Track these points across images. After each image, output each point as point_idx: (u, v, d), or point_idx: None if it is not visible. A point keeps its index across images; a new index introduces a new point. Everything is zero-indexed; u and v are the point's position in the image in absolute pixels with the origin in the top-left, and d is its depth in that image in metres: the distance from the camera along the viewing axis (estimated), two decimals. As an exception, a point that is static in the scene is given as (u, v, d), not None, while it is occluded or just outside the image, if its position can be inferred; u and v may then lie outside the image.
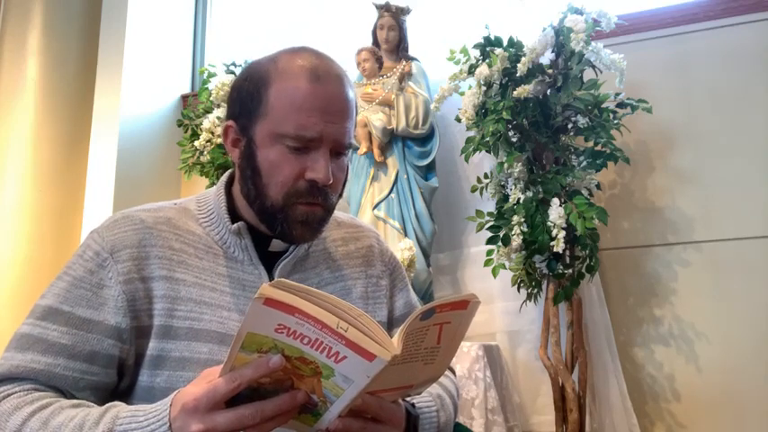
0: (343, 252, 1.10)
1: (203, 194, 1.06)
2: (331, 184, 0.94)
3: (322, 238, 1.08)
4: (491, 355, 2.18)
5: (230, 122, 0.99)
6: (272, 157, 0.93)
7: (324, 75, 0.93)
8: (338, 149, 0.95)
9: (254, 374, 0.70)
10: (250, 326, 0.68)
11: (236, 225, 0.98)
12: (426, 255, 2.43)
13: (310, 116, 0.91)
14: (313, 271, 1.04)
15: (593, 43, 2.09)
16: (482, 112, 2.19)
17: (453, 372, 1.18)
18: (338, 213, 1.15)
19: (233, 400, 0.72)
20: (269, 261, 1.01)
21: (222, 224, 1.00)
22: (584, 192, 2.08)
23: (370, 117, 2.47)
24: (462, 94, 2.26)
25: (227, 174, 1.05)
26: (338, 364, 0.68)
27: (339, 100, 0.93)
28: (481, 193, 2.30)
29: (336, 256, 1.08)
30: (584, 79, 2.09)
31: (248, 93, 0.96)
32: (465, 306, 0.77)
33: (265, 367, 0.70)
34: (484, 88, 2.17)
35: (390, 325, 1.12)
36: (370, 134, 2.47)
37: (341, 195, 1.01)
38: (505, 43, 2.18)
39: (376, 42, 2.60)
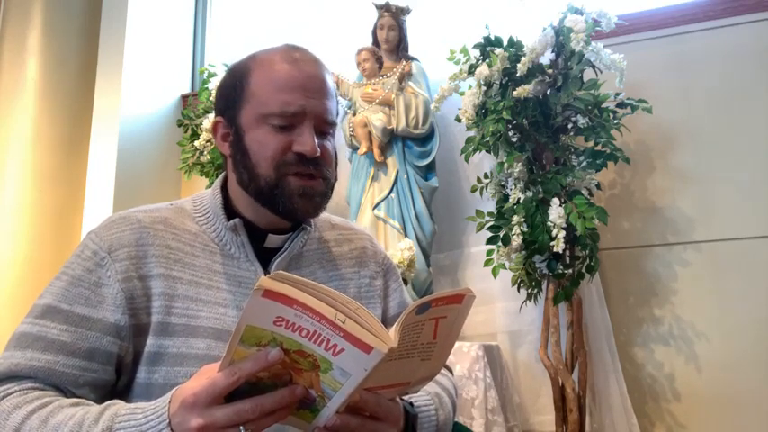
0: (336, 253, 1.11)
1: (199, 195, 1.08)
2: (322, 158, 0.97)
3: (315, 238, 1.09)
4: (491, 355, 2.18)
5: (218, 118, 1.03)
6: (260, 137, 0.96)
7: (300, 58, 0.98)
8: (322, 127, 0.98)
9: (254, 368, 0.70)
10: (249, 318, 0.68)
11: (231, 222, 1.00)
12: (426, 255, 2.43)
13: (291, 93, 0.95)
14: (307, 269, 1.05)
15: (593, 43, 2.09)
16: (482, 112, 2.19)
17: (451, 371, 1.18)
18: (332, 216, 1.18)
19: (232, 396, 0.73)
20: (264, 258, 1.02)
21: (218, 221, 1.01)
22: (584, 192, 2.08)
23: (370, 117, 2.47)
24: (462, 94, 2.26)
25: (222, 175, 1.07)
26: (336, 357, 0.68)
27: (317, 78, 0.97)
28: (481, 193, 2.30)
29: (330, 256, 1.10)
30: (585, 79, 2.09)
31: (231, 86, 1.00)
32: (460, 300, 0.77)
33: (264, 360, 0.70)
34: (484, 88, 2.17)
35: (385, 325, 1.12)
36: (370, 134, 2.47)
37: (336, 178, 1.03)
38: (505, 43, 2.18)
39: (376, 42, 2.60)
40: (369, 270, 1.13)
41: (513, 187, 2.15)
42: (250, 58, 1.01)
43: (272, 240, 1.03)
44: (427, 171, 2.51)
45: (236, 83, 0.99)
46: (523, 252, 2.11)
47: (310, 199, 0.97)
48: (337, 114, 1.05)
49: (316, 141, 0.95)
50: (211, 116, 2.73)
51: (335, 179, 1.03)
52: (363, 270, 1.12)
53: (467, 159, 2.25)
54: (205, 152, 2.74)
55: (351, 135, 2.54)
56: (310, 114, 0.96)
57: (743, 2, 2.36)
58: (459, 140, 2.51)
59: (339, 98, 2.53)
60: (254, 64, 0.99)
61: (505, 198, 2.20)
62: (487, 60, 2.17)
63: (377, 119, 2.46)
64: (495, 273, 2.16)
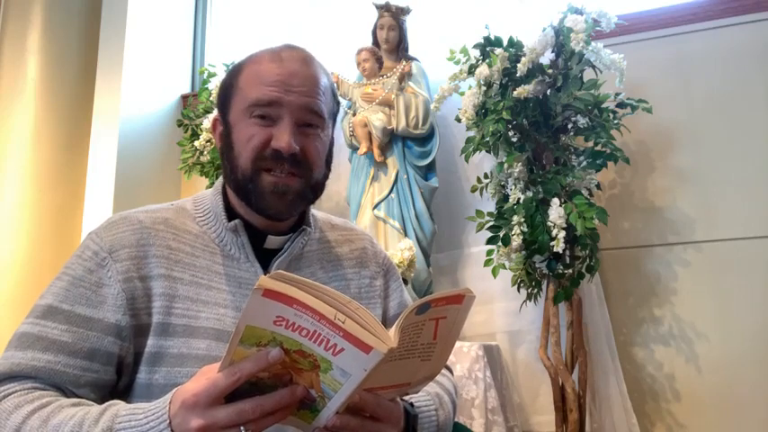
0: (337, 253, 1.11)
1: (200, 195, 1.08)
2: (305, 155, 0.97)
3: (315, 238, 1.09)
4: (491, 355, 2.18)
5: (216, 115, 1.05)
6: (244, 131, 0.97)
7: (287, 57, 0.99)
8: (304, 119, 0.98)
9: (254, 368, 0.70)
10: (249, 318, 0.68)
11: (232, 222, 1.00)
12: (426, 255, 2.43)
13: (271, 86, 0.96)
14: (307, 270, 1.05)
15: (593, 43, 2.09)
16: (482, 112, 2.19)
17: (451, 371, 1.18)
18: (332, 217, 1.18)
19: (232, 396, 0.73)
20: (265, 259, 1.02)
21: (219, 222, 1.01)
22: (584, 192, 2.07)
23: (370, 117, 2.47)
24: (462, 94, 2.25)
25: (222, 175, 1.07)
26: (336, 357, 0.68)
27: (300, 75, 0.98)
28: (481, 193, 2.30)
29: (330, 257, 1.10)
30: (585, 79, 2.09)
31: (226, 84, 1.03)
32: (460, 301, 0.76)
33: (265, 360, 0.70)
34: (484, 88, 2.17)
35: (385, 325, 1.12)
36: (370, 134, 2.47)
37: (326, 177, 1.03)
38: (505, 43, 2.17)
39: (376, 42, 2.60)
40: (369, 270, 1.13)
41: (513, 187, 2.15)
42: (246, 57, 1.03)
43: (272, 241, 1.03)
44: (427, 171, 2.51)
45: (230, 80, 1.02)
46: (523, 252, 2.11)
47: (282, 197, 0.96)
48: (334, 113, 1.05)
49: (292, 139, 0.95)
50: (211, 116, 2.72)
51: (323, 177, 1.02)
52: (364, 270, 1.12)
53: (467, 159, 2.25)
54: (205, 152, 2.74)
55: (351, 135, 2.54)
56: (289, 108, 0.96)
57: (743, 2, 2.36)
58: (459, 140, 2.51)
59: (339, 98, 2.52)
60: (247, 62, 1.02)
61: (505, 198, 2.20)
62: (487, 60, 2.17)
63: (377, 119, 2.46)
64: (495, 273, 2.16)
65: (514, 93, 2.05)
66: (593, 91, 2.05)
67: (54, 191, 2.96)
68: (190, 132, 2.88)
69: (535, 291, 2.17)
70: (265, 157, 0.95)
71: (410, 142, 2.50)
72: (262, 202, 0.97)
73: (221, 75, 2.83)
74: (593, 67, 2.13)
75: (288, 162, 0.95)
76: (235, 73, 1.02)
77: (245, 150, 0.96)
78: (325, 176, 1.03)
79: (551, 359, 2.08)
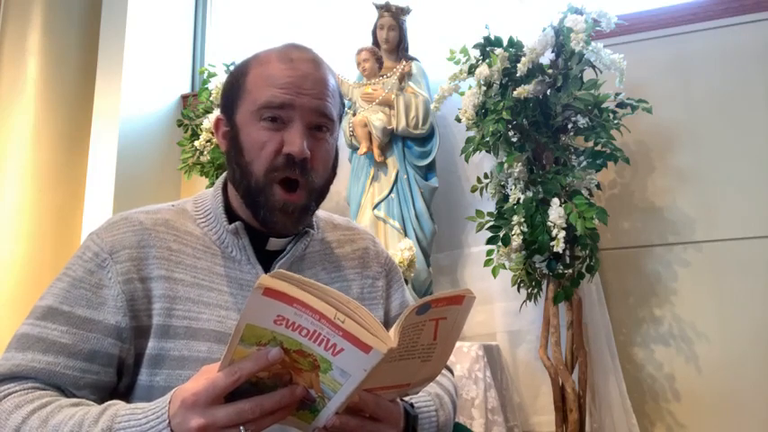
0: (339, 253, 1.10)
1: (200, 195, 1.07)
2: (312, 162, 0.96)
3: (318, 239, 1.09)
4: (491, 355, 2.18)
5: (219, 115, 1.03)
6: (254, 134, 0.96)
7: (297, 58, 0.97)
8: (315, 122, 0.97)
9: (254, 367, 0.70)
10: (249, 317, 0.68)
11: (233, 225, 0.99)
12: (426, 255, 2.43)
13: (282, 88, 0.94)
14: (309, 271, 1.05)
15: (593, 43, 2.09)
16: (482, 112, 2.19)
17: (451, 372, 1.18)
18: (334, 216, 1.17)
19: (232, 396, 0.72)
20: (266, 260, 1.02)
21: (220, 224, 1.00)
22: (585, 192, 2.07)
23: (370, 117, 2.47)
24: (462, 94, 2.26)
25: (223, 175, 1.06)
26: (336, 357, 0.68)
27: (311, 77, 0.96)
28: (481, 193, 2.30)
29: (332, 257, 1.09)
30: (585, 79, 2.09)
31: (231, 84, 1.01)
32: (460, 301, 0.76)
33: (264, 360, 0.70)
34: (484, 88, 2.17)
35: (387, 326, 1.12)
36: (370, 134, 2.47)
37: (330, 182, 1.02)
38: (505, 43, 2.18)
39: (376, 42, 2.60)
40: (371, 271, 1.12)
41: (513, 187, 2.15)
42: (252, 57, 1.02)
43: (274, 243, 1.02)
44: (427, 171, 2.51)
45: (235, 81, 1.00)
46: (523, 252, 2.11)
47: (289, 215, 0.96)
48: (340, 115, 1.04)
49: (305, 143, 0.94)
50: (211, 116, 2.73)
51: (327, 182, 1.02)
52: (366, 271, 1.12)
53: (467, 159, 2.25)
54: (205, 152, 2.74)
55: (351, 135, 2.54)
56: (300, 111, 0.95)
57: (743, 2, 2.36)
58: (459, 140, 2.51)
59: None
60: (254, 62, 1.00)
61: (505, 198, 2.20)
62: (487, 60, 2.17)
63: (377, 119, 2.46)
64: (495, 273, 2.16)
65: (514, 93, 2.05)
66: (593, 91, 2.05)
67: (54, 191, 2.96)
68: (190, 132, 2.88)
69: (535, 291, 2.17)
70: (278, 165, 0.94)
71: (410, 142, 2.50)
72: (270, 217, 0.96)
73: (221, 75, 2.83)
74: (593, 67, 2.13)
75: (298, 168, 0.94)
76: (241, 73, 1.00)
77: (258, 158, 0.95)
78: (330, 181, 1.02)
79: (551, 359, 2.08)
